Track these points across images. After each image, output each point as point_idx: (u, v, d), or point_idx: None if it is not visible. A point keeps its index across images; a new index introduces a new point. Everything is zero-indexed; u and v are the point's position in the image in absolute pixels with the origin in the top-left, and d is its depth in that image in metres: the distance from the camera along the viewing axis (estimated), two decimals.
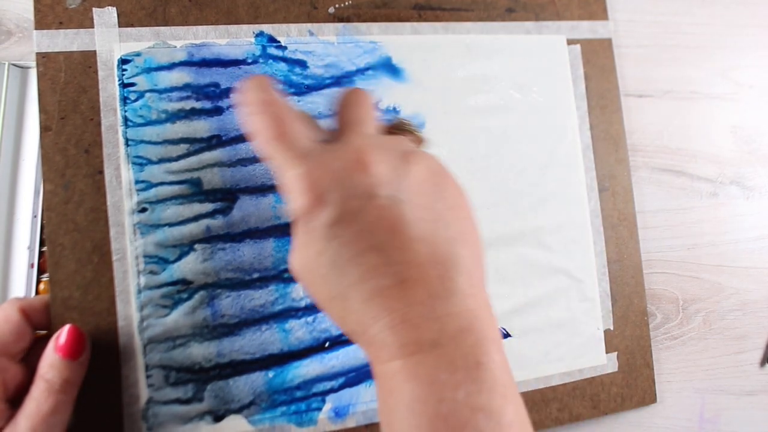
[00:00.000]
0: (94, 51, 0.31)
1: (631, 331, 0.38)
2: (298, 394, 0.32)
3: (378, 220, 0.20)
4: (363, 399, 0.33)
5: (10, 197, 0.34)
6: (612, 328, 0.38)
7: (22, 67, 0.35)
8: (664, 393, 0.39)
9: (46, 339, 0.28)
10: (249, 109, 0.22)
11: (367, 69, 0.35)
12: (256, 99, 0.22)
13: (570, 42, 0.39)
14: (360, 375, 0.33)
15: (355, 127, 0.23)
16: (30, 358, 0.28)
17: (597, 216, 0.38)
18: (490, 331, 0.20)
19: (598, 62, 0.40)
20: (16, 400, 0.26)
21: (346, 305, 0.20)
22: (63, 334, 0.27)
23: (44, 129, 0.30)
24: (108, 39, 0.31)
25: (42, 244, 0.34)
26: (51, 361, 0.26)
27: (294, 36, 0.34)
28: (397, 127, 0.25)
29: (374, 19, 0.36)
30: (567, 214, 0.38)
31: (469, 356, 0.19)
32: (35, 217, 0.34)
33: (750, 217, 0.43)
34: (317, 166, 0.21)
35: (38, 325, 0.28)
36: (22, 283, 0.34)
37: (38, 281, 0.34)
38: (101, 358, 0.29)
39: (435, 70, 0.36)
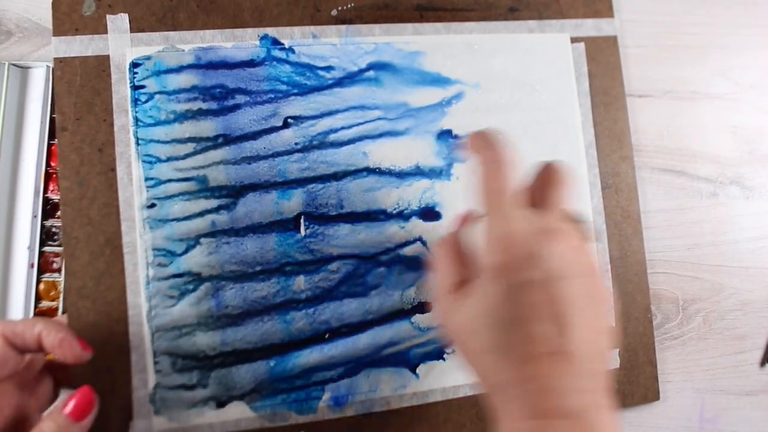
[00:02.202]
0: (108, 55, 0.33)
1: (633, 328, 0.39)
2: (298, 382, 0.33)
3: (557, 296, 0.22)
4: (361, 389, 0.34)
5: (10, 197, 0.35)
6: (614, 325, 0.38)
7: (22, 67, 0.35)
8: (665, 393, 0.39)
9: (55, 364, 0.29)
10: (481, 164, 0.25)
11: (368, 69, 0.36)
12: (490, 157, 0.25)
13: (574, 40, 0.40)
14: (359, 366, 0.34)
15: (554, 208, 0.25)
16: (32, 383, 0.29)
17: (600, 213, 0.39)
18: (613, 412, 0.22)
19: (603, 60, 0.40)
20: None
21: (500, 360, 0.22)
22: (75, 398, 0.27)
23: (61, 129, 0.32)
24: (120, 44, 0.33)
25: (42, 244, 0.35)
26: (55, 417, 0.26)
27: (297, 38, 0.35)
28: (572, 218, 0.26)
29: (376, 21, 0.37)
30: None
31: (598, 430, 0.21)
32: (35, 217, 0.35)
33: (750, 217, 0.43)
34: (518, 233, 0.23)
35: (24, 348, 0.27)
36: (22, 283, 0.34)
37: (38, 281, 0.35)
38: (113, 345, 0.31)
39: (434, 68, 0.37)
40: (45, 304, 0.35)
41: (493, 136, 0.25)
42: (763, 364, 0.42)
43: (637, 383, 0.38)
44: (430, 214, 0.36)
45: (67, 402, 0.26)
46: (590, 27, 0.40)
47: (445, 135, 0.37)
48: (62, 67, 0.32)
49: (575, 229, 0.24)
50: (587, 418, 0.21)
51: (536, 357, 0.21)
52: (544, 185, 0.26)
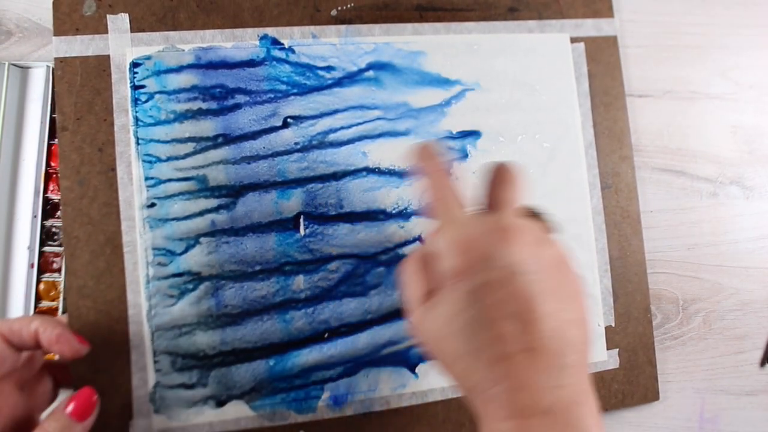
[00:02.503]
0: (108, 55, 0.33)
1: (633, 329, 0.39)
2: (298, 382, 0.33)
3: (517, 292, 0.22)
4: (360, 389, 0.34)
5: (10, 197, 0.35)
6: (613, 325, 0.38)
7: (22, 67, 0.36)
8: (665, 393, 0.39)
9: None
10: (422, 173, 0.27)
11: (368, 69, 0.36)
12: (431, 168, 0.26)
13: (574, 40, 0.40)
14: (358, 365, 0.34)
15: (506, 206, 0.25)
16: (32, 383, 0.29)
17: (599, 213, 0.39)
18: (594, 408, 0.22)
19: (602, 60, 0.40)
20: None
21: (471, 364, 0.22)
22: (77, 399, 0.27)
23: (61, 129, 0.32)
24: (121, 44, 0.33)
25: (42, 244, 0.35)
26: (57, 417, 0.26)
27: (297, 38, 0.35)
28: (532, 214, 0.27)
29: (376, 21, 0.37)
30: (568, 211, 0.38)
31: (578, 427, 0.21)
32: (35, 217, 0.35)
33: (750, 217, 0.43)
34: (472, 235, 0.23)
35: (21, 345, 0.27)
36: (22, 283, 0.35)
37: (38, 281, 0.35)
38: (113, 344, 0.31)
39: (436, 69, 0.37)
40: (45, 304, 0.35)
41: (433, 147, 0.27)
42: (763, 364, 0.42)
43: (637, 383, 0.38)
44: None
45: (69, 402, 0.27)
46: (590, 27, 0.40)
47: (445, 135, 0.37)
48: (63, 67, 0.32)
49: (532, 224, 0.25)
50: (566, 414, 0.21)
51: (505, 356, 0.21)
52: (495, 186, 0.26)
